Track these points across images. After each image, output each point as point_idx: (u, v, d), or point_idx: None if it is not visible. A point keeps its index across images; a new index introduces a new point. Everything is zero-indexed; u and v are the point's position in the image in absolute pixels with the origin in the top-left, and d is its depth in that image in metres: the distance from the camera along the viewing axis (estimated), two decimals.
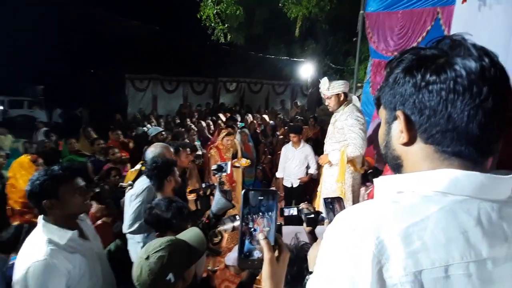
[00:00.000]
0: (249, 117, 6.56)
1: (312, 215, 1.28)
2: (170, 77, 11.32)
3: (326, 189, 2.78)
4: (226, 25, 6.44)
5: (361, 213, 0.48)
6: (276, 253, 0.62)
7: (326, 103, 2.73)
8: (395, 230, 0.44)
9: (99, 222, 2.74)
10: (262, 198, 0.60)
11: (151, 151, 2.13)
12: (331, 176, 2.75)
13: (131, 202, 1.92)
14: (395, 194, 0.50)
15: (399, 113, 0.51)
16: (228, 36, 6.60)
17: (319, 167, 3.75)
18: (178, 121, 7.85)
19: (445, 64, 0.46)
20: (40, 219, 1.25)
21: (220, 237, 1.42)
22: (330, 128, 2.79)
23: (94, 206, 2.86)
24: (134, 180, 2.04)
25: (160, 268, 1.00)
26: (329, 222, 0.94)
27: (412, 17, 3.55)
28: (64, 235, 1.22)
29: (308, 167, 3.95)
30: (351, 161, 2.63)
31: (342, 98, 2.64)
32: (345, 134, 2.60)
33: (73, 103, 10.64)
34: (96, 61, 10.62)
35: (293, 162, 3.93)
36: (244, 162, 3.79)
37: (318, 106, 8.69)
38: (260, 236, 0.59)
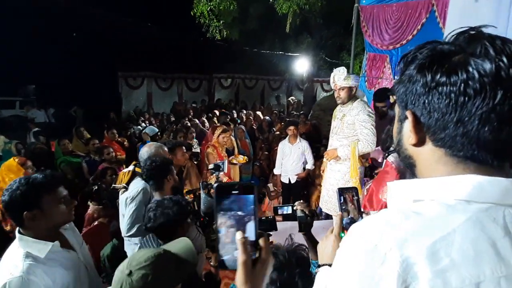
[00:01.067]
0: (244, 114, 6.53)
1: (306, 218, 1.22)
2: (164, 74, 11.20)
3: (332, 185, 2.75)
4: (221, 22, 6.32)
5: (382, 227, 0.45)
6: (263, 255, 0.54)
7: (336, 95, 2.64)
8: (421, 247, 0.41)
9: (95, 223, 2.72)
10: (237, 192, 0.53)
11: (146, 151, 2.09)
12: (337, 172, 2.72)
13: (128, 206, 1.90)
14: (413, 203, 0.47)
15: (408, 113, 0.50)
16: (224, 32, 6.49)
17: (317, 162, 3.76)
18: (173, 119, 7.79)
19: (458, 64, 0.44)
20: (17, 232, 1.17)
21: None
22: (336, 123, 2.72)
23: (91, 207, 2.83)
24: (128, 182, 2.00)
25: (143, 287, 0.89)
26: (342, 214, 0.92)
27: (407, 9, 3.53)
28: (43, 248, 1.14)
29: (305, 163, 3.95)
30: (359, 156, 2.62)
31: (352, 92, 2.60)
32: (355, 129, 2.57)
33: (67, 102, 10.48)
34: (89, 59, 10.43)
35: (290, 158, 3.92)
36: (241, 159, 3.77)
37: (314, 101, 8.68)
38: (237, 235, 0.52)
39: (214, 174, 1.74)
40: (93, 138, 4.05)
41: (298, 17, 6.61)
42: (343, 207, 0.95)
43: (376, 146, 2.55)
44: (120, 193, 2.03)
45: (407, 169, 0.57)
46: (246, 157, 3.92)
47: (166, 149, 2.21)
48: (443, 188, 0.46)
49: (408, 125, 0.50)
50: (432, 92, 0.45)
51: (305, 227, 1.22)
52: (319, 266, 0.82)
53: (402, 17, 3.59)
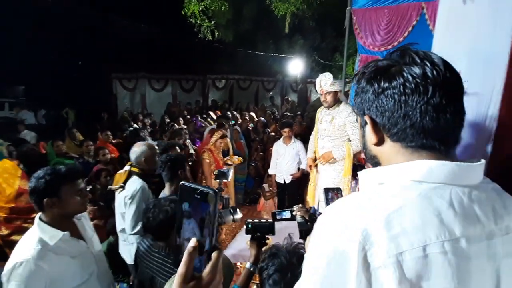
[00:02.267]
0: (239, 114, 6.54)
1: (307, 224, 1.19)
2: (158, 75, 11.13)
3: (328, 184, 2.80)
4: (212, 22, 6.34)
5: (348, 205, 0.54)
6: (206, 272, 0.47)
7: (322, 99, 2.77)
8: (377, 219, 0.49)
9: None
10: (198, 197, 0.48)
11: (134, 151, 2.10)
12: (332, 171, 2.82)
13: (128, 205, 1.91)
14: (377, 186, 0.56)
15: (366, 118, 0.60)
16: (216, 33, 6.51)
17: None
18: (167, 120, 7.76)
19: (395, 73, 0.55)
20: (37, 217, 1.29)
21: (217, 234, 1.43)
22: (326, 126, 2.82)
23: (87, 207, 2.81)
24: (124, 182, 2.01)
25: None
26: None
27: (398, 12, 3.61)
28: (55, 236, 1.25)
29: (299, 163, 3.99)
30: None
31: (338, 96, 2.77)
32: (346, 130, 2.72)
33: (58, 103, 10.30)
34: (81, 60, 10.30)
35: (284, 159, 3.96)
36: (236, 159, 3.78)
37: (307, 102, 8.75)
38: (190, 243, 0.46)
39: (217, 180, 1.76)
40: (86, 139, 4.00)
41: (295, 19, 6.67)
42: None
43: None
44: (116, 193, 2.03)
45: None
46: (241, 158, 3.94)
47: (156, 148, 2.22)
48: (400, 172, 0.55)
49: (368, 128, 0.59)
50: (380, 96, 0.56)
51: (306, 234, 1.18)
52: None
53: (393, 19, 3.67)
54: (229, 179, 2.18)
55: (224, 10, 6.31)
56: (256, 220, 1.35)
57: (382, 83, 0.55)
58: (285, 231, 1.24)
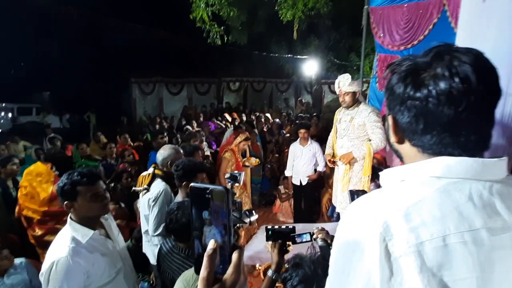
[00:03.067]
0: (256, 116, 6.56)
1: (328, 247, 1.15)
2: (174, 79, 11.40)
3: (348, 184, 2.85)
4: (222, 28, 6.30)
5: (370, 201, 0.57)
6: (229, 273, 0.46)
7: (341, 99, 2.80)
8: (397, 211, 0.51)
9: None
10: (209, 196, 0.46)
11: (161, 154, 2.16)
12: (351, 171, 2.83)
13: (152, 207, 1.97)
14: (398, 183, 0.58)
15: (389, 116, 0.61)
16: (225, 38, 6.43)
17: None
18: (184, 122, 7.92)
19: (423, 82, 0.54)
20: (69, 217, 1.37)
21: (237, 236, 1.43)
22: (345, 125, 2.83)
23: (110, 206, 2.92)
24: (149, 184, 2.08)
25: None
26: None
27: (418, 10, 3.51)
28: (86, 234, 1.32)
29: (316, 165, 3.95)
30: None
31: (356, 96, 2.77)
32: (365, 130, 2.73)
33: (80, 108, 10.78)
34: (102, 66, 10.73)
35: (301, 160, 3.93)
36: (254, 161, 3.80)
37: (322, 102, 8.65)
38: (209, 244, 0.46)
39: (229, 183, 1.76)
40: (110, 142, 4.18)
41: (304, 22, 6.59)
42: None
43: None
44: (141, 195, 2.10)
45: None
46: (258, 160, 3.95)
47: (181, 152, 2.28)
48: (420, 169, 0.56)
49: (389, 126, 0.62)
50: (405, 103, 0.56)
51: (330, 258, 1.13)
52: None
53: (413, 17, 3.57)
54: (241, 183, 2.19)
55: (233, 16, 6.28)
56: (276, 226, 1.33)
57: (409, 90, 0.55)
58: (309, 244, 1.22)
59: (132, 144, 4.83)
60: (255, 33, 8.20)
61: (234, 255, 0.46)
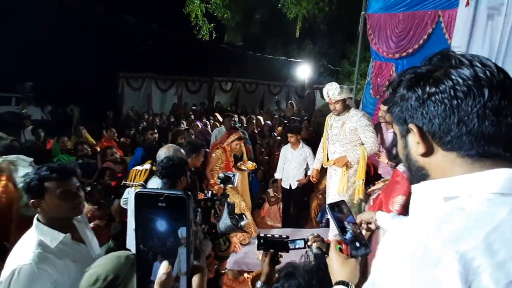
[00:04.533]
0: (246, 118, 6.48)
1: (324, 255, 1.05)
2: (164, 75, 11.14)
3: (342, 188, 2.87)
4: (212, 24, 6.36)
5: (426, 226, 0.45)
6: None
7: (332, 107, 2.83)
8: (475, 240, 0.41)
9: (91, 225, 2.62)
10: (164, 205, 0.38)
11: (164, 153, 2.07)
12: (352, 176, 2.84)
13: None
14: (441, 201, 0.49)
15: (411, 125, 0.54)
16: (213, 34, 6.52)
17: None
18: (172, 119, 7.72)
19: (442, 76, 0.50)
20: (35, 218, 1.21)
21: (228, 244, 1.33)
22: (337, 131, 2.87)
23: (86, 207, 2.74)
24: (145, 181, 1.97)
25: None
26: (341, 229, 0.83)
27: (413, 19, 3.54)
28: (55, 238, 1.16)
29: (307, 169, 3.90)
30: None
31: (347, 102, 2.81)
32: (357, 134, 2.77)
33: (64, 100, 10.34)
34: (90, 59, 10.34)
35: (292, 164, 3.88)
36: (250, 165, 3.73)
37: (314, 107, 8.68)
38: (161, 267, 0.39)
39: (221, 185, 1.65)
40: (81, 143, 3.86)
41: (305, 23, 6.68)
42: (340, 224, 0.85)
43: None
44: (132, 189, 1.98)
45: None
46: (255, 164, 3.89)
47: (183, 151, 2.21)
48: (474, 184, 0.48)
49: (413, 137, 0.54)
50: (427, 102, 0.51)
51: (326, 267, 1.01)
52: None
53: (408, 26, 3.60)
54: (235, 184, 2.10)
55: (227, 18, 6.35)
56: (269, 235, 1.25)
57: (428, 88, 0.51)
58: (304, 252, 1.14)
59: (118, 139, 4.63)
60: (251, 34, 8.16)
61: (195, 280, 0.39)
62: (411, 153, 0.56)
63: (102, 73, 10.41)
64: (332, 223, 3.05)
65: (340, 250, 0.83)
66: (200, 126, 5.80)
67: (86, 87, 10.38)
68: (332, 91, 2.72)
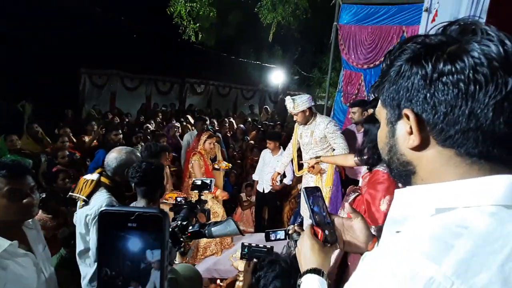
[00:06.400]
0: (219, 121, 6.38)
1: None
2: (132, 74, 10.56)
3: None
4: (197, 24, 6.24)
5: (425, 252, 0.35)
6: None
7: (295, 119, 2.87)
8: (488, 273, 0.33)
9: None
10: (135, 225, 0.35)
11: (114, 158, 1.73)
12: (313, 182, 2.88)
13: (92, 227, 1.59)
14: (433, 212, 0.40)
15: (407, 111, 0.43)
16: (200, 35, 6.40)
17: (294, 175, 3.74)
18: (142, 119, 7.33)
19: (460, 51, 0.39)
20: None
21: (188, 250, 1.25)
22: (307, 140, 2.90)
23: (39, 215, 2.44)
24: (90, 194, 1.63)
25: None
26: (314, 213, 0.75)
27: (380, 33, 3.79)
28: (0, 245, 1.04)
29: (283, 176, 3.92)
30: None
31: (308, 113, 2.80)
32: (326, 141, 2.80)
33: (15, 96, 9.27)
34: (47, 51, 9.41)
35: (268, 168, 3.90)
36: (225, 165, 3.66)
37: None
38: None
39: (195, 191, 1.52)
40: (43, 139, 3.52)
41: (279, 30, 6.79)
42: (314, 207, 0.82)
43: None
44: (78, 205, 1.68)
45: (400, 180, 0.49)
46: (229, 164, 3.81)
47: (138, 154, 1.90)
48: (475, 193, 0.39)
49: (404, 125, 0.44)
50: (435, 83, 0.40)
51: None
52: (300, 276, 0.69)
53: (376, 39, 3.84)
54: (212, 190, 1.98)
55: (212, 16, 6.26)
56: (254, 245, 1.23)
57: (442, 65, 0.39)
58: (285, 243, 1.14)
59: (74, 140, 4.22)
60: (224, 37, 8.11)
61: None
62: (398, 144, 0.46)
63: (61, 68, 9.54)
64: (305, 224, 3.10)
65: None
66: (175, 129, 5.53)
67: (42, 82, 9.43)
68: (289, 105, 2.77)
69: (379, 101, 0.49)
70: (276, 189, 3.88)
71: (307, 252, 0.69)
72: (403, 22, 3.59)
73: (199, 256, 3.25)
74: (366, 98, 3.71)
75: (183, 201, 1.32)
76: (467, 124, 0.39)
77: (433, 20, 2.33)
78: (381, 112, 0.49)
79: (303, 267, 0.70)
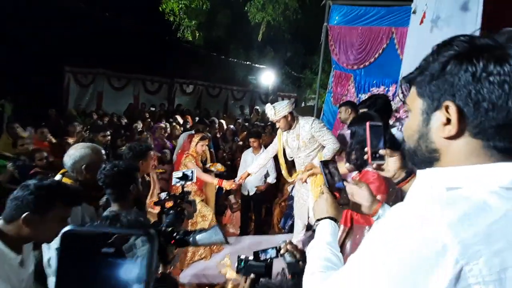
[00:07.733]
0: (208, 121, 6.27)
1: (298, 263, 1.00)
2: (119, 73, 10.29)
3: (303, 194, 2.97)
4: (193, 22, 6.06)
5: (430, 206, 0.45)
6: None
7: (277, 125, 2.80)
8: (476, 229, 0.42)
9: None
10: (111, 251, 0.31)
11: (71, 155, 1.59)
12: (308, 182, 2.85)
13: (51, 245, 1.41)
14: (444, 190, 0.48)
15: (449, 103, 0.48)
16: (196, 33, 6.22)
17: (280, 175, 3.69)
18: (125, 121, 7.12)
19: (507, 56, 0.44)
20: None
21: (173, 256, 1.16)
22: (296, 144, 2.83)
23: None
24: None
25: None
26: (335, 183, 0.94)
27: (370, 34, 3.80)
28: (8, 258, 1.04)
29: (267, 175, 3.86)
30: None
31: (289, 118, 2.74)
32: (315, 140, 2.77)
33: None
34: (30, 49, 9.03)
35: None
36: (220, 167, 3.57)
37: None
38: None
39: (178, 184, 1.44)
40: (22, 137, 3.36)
41: (269, 30, 6.73)
42: (332, 176, 0.98)
43: None
44: None
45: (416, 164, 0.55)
46: (223, 167, 3.71)
47: (103, 152, 1.74)
48: (483, 176, 0.46)
49: (441, 116, 0.49)
50: (483, 82, 0.45)
51: (299, 276, 0.93)
52: (317, 220, 0.85)
53: (366, 40, 3.85)
54: (194, 180, 1.88)
55: (205, 9, 6.07)
56: (251, 258, 1.11)
57: (492, 66, 0.44)
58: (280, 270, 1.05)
59: (53, 140, 4.01)
60: (213, 36, 8.01)
61: None
62: (431, 133, 0.51)
63: (44, 66, 9.19)
64: (297, 227, 3.07)
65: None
66: (162, 130, 5.38)
67: (24, 81, 9.05)
68: (270, 113, 2.72)
69: (413, 91, 0.53)
70: (260, 190, 3.81)
71: (326, 206, 0.86)
72: (392, 24, 3.62)
73: (187, 261, 3.14)
74: (355, 99, 3.71)
75: (167, 197, 1.24)
76: (503, 121, 0.45)
77: (421, 22, 2.33)
78: (415, 102, 0.53)
79: (316, 216, 0.87)
